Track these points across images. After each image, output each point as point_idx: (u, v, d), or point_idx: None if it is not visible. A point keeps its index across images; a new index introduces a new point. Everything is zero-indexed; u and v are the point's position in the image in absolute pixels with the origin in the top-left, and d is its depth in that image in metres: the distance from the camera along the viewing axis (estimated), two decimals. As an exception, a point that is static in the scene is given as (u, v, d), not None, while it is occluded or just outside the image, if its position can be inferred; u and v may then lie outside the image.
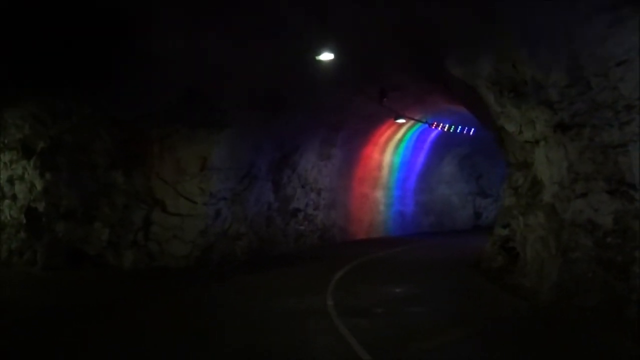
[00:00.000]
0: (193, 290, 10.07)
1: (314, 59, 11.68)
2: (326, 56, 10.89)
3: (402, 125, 21.13)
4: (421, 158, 24.16)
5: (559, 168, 8.20)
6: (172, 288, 10.44)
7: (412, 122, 21.07)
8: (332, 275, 11.14)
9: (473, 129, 21.96)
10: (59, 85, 11.57)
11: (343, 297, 8.66)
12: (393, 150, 22.49)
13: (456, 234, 23.30)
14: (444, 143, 24.04)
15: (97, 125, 12.04)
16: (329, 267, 12.61)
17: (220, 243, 13.71)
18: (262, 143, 14.80)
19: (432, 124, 20.49)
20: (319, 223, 19.31)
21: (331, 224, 20.04)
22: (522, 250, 10.45)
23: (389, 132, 21.25)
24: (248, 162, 14.55)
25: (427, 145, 23.84)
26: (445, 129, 21.07)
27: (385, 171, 22.74)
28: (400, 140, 22.38)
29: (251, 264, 13.83)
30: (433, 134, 23.29)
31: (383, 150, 22.09)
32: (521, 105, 9.70)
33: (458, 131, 21.56)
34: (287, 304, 8.23)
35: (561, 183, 8.12)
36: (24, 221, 12.79)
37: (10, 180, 13.14)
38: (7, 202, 13.21)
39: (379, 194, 22.75)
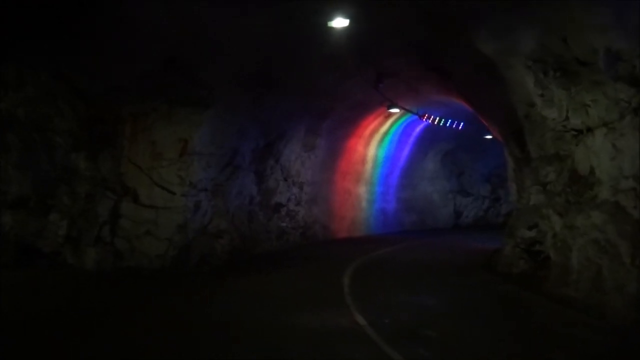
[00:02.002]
0: (173, 299, 8.23)
1: (317, 26, 10.07)
2: (340, 22, 9.22)
3: (388, 116, 19.75)
4: (405, 153, 22.83)
5: (634, 159, 6.86)
6: (145, 295, 8.59)
7: (398, 114, 19.78)
8: (339, 280, 9.54)
9: (462, 123, 20.85)
10: (11, 48, 9.48)
11: (370, 310, 7.03)
12: (378, 143, 21.07)
13: (440, 233, 22.08)
14: (429, 138, 22.81)
15: (57, 98, 9.97)
16: (327, 270, 11.04)
17: (200, 241, 11.87)
18: (247, 127, 13.02)
19: (423, 116, 19.16)
20: (301, 220, 17.67)
21: (313, 220, 18.43)
22: (560, 255, 9.12)
23: (375, 123, 19.81)
24: (231, 149, 12.74)
25: (412, 140, 22.54)
26: (435, 122, 19.80)
27: (368, 165, 21.29)
28: (386, 133, 20.99)
29: (235, 265, 12.07)
30: (419, 128, 22.03)
31: (368, 143, 20.63)
32: (570, 86, 8.37)
33: (447, 124, 20.37)
34: (305, 320, 6.54)
35: (638, 177, 6.78)
36: (-37, 211, 10.60)
37: (-54, 162, 10.90)
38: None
39: (362, 190, 21.28)
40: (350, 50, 12.42)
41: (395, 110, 17.17)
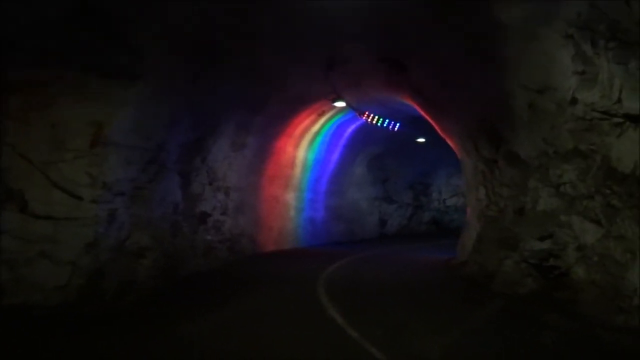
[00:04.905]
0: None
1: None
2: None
3: (322, 114, 17.65)
4: (335, 156, 20.77)
5: None
6: None
7: (331, 113, 17.78)
8: (326, 317, 7.04)
9: (398, 124, 19.26)
10: None
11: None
12: (308, 144, 18.81)
13: (373, 244, 20.21)
14: (361, 140, 20.98)
15: None
16: (295, 300, 8.55)
17: (116, 263, 8.76)
18: (180, 115, 10.13)
19: (364, 114, 17.24)
20: (227, 231, 14.86)
21: (239, 232, 15.67)
22: (598, 273, 7.40)
23: (307, 121, 17.57)
24: (157, 141, 9.77)
25: (342, 142, 20.54)
26: (374, 121, 17.97)
27: (298, 169, 18.93)
28: (317, 134, 18.81)
29: (165, 294, 9.14)
30: (350, 129, 20.11)
31: (298, 144, 18.30)
32: (630, 60, 6.67)
33: (385, 125, 18.64)
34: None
35: None
36: None
37: None
38: None
39: (290, 196, 18.85)
40: (306, 27, 10.21)
41: (340, 104, 15.01)
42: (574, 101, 7.65)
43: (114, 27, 7.34)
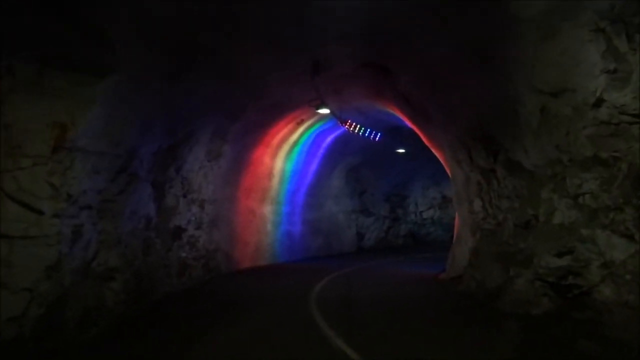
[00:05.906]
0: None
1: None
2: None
3: (300, 123, 16.77)
4: (313, 167, 19.86)
5: None
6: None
7: (310, 122, 16.96)
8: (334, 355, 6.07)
9: (379, 134, 18.57)
10: None
11: None
12: (286, 154, 17.87)
13: (353, 259, 19.32)
14: (339, 151, 20.16)
15: None
16: (285, 326, 7.51)
17: (81, 288, 7.58)
18: (154, 119, 9.03)
19: (346, 122, 16.42)
20: (202, 247, 13.73)
21: (214, 248, 14.56)
22: (627, 293, 6.68)
23: (285, 130, 16.66)
24: (129, 147, 8.65)
25: (321, 152, 19.66)
26: (356, 130, 17.20)
27: (275, 181, 17.93)
28: (295, 143, 17.90)
29: (136, 322, 8.03)
30: (329, 139, 19.29)
31: (275, 154, 17.34)
32: (671, 55, 6.03)
33: (366, 134, 17.90)
34: None
35: None
36: None
37: None
38: None
39: (267, 210, 17.82)
40: (292, 24, 9.35)
41: (324, 111, 14.09)
42: (598, 103, 6.97)
43: (79, 11, 6.27)
